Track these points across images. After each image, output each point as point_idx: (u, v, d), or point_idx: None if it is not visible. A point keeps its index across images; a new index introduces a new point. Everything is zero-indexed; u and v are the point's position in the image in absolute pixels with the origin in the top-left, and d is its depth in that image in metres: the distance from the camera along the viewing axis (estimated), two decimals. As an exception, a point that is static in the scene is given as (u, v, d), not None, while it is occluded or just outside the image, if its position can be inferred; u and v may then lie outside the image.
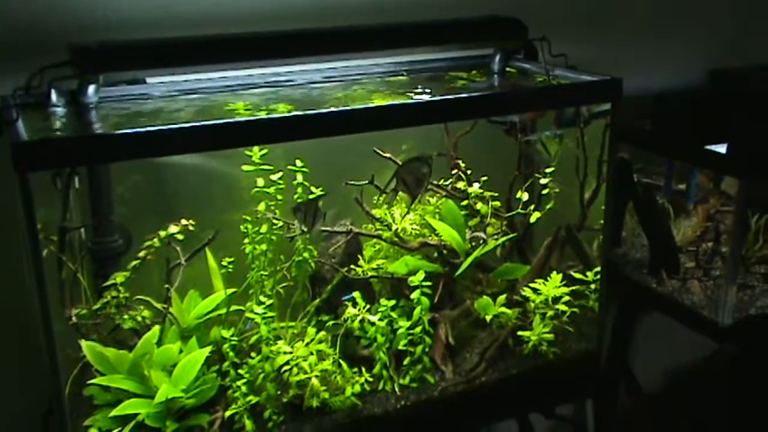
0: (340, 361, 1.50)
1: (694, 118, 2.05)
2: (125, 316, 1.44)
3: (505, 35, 1.65)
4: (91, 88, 1.35)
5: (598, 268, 1.68)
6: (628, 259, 2.07)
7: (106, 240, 1.51)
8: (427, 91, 1.48)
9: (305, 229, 1.44)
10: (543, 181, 1.63)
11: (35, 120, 1.28)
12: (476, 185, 1.64)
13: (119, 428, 1.34)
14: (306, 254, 1.60)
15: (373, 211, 1.61)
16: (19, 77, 1.30)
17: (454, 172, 1.68)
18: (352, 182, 1.51)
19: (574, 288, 1.65)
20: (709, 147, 1.85)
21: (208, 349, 1.43)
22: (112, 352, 1.39)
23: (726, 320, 1.80)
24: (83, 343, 1.38)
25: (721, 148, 1.84)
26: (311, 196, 1.52)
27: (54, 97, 1.35)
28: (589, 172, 1.73)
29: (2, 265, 1.51)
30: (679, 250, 2.00)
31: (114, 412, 1.33)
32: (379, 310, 1.52)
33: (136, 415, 1.35)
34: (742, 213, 1.79)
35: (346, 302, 1.54)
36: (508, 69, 1.72)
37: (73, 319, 1.40)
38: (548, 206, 1.65)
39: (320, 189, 1.54)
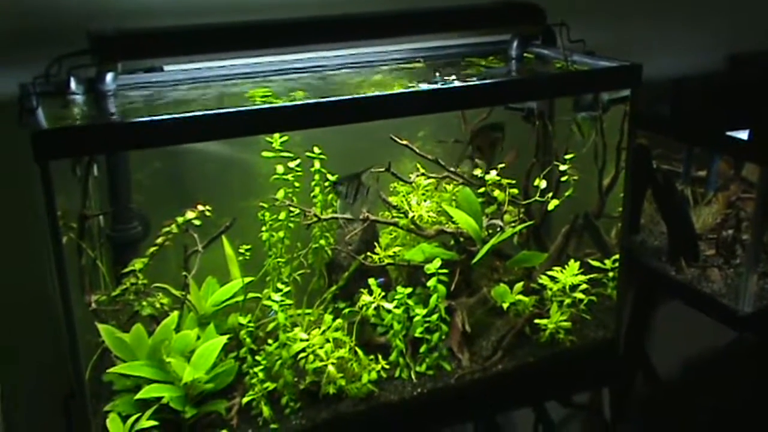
0: (357, 348, 1.50)
1: (715, 103, 2.03)
2: (144, 303, 1.45)
3: (524, 20, 1.64)
4: (109, 76, 1.35)
5: (617, 256, 1.67)
6: (646, 246, 2.06)
7: (125, 227, 1.53)
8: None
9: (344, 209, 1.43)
10: (562, 167, 1.62)
11: (54, 108, 1.29)
12: (493, 172, 1.63)
13: (139, 413, 1.36)
14: (323, 241, 1.61)
15: (390, 198, 1.61)
16: (35, 65, 1.31)
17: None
18: (371, 169, 1.51)
19: (591, 276, 1.64)
20: (730, 133, 1.82)
21: (226, 336, 1.44)
22: (130, 337, 1.41)
23: (746, 309, 1.79)
24: (101, 327, 1.40)
25: (743, 134, 1.81)
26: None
27: (73, 84, 1.35)
28: (607, 159, 1.72)
29: (23, 251, 1.53)
30: (699, 238, 1.98)
31: (139, 395, 1.34)
32: (396, 297, 1.52)
33: (155, 401, 1.36)
34: (763, 200, 1.77)
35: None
36: (525, 55, 1.71)
37: (93, 305, 1.42)
38: (567, 193, 1.64)
39: (336, 177, 1.54)
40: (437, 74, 1.47)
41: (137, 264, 1.45)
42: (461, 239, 1.64)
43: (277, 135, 1.49)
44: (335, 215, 1.56)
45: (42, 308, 1.45)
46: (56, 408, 1.52)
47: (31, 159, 1.13)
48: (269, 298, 1.48)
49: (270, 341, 1.47)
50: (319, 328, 1.48)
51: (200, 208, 1.45)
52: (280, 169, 1.52)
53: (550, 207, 1.63)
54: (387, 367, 1.52)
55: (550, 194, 1.63)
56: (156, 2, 1.54)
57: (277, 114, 1.29)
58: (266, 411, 1.42)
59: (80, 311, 1.34)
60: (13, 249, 1.55)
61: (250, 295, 1.54)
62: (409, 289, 1.54)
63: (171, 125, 1.21)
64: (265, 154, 1.51)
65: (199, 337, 1.46)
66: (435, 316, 1.54)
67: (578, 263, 1.63)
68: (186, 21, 1.42)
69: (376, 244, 1.63)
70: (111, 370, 1.38)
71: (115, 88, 1.37)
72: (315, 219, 1.53)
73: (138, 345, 1.41)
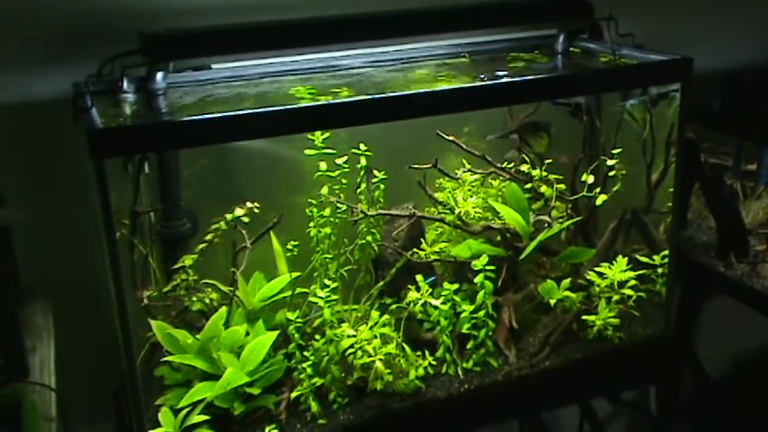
0: (404, 344, 1.50)
1: (766, 95, 1.98)
2: (194, 299, 1.47)
3: (570, 15, 1.62)
4: (160, 75, 1.37)
5: (666, 252, 1.64)
6: (694, 241, 2.02)
7: (175, 224, 1.55)
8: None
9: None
10: (610, 162, 1.60)
11: (107, 106, 1.31)
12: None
13: (190, 407, 1.37)
14: (369, 237, 1.61)
15: (436, 194, 1.60)
16: (87, 65, 1.33)
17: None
18: (416, 165, 1.51)
19: (640, 272, 1.62)
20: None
21: (276, 333, 1.45)
22: (180, 333, 1.43)
23: (798, 305, 1.75)
24: (153, 322, 1.42)
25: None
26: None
27: (125, 83, 1.37)
28: (656, 154, 1.69)
29: (73, 245, 1.55)
30: (749, 233, 1.94)
31: (185, 399, 1.36)
32: (442, 293, 1.52)
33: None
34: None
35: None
36: (571, 49, 1.69)
37: (145, 300, 1.44)
38: (615, 188, 1.62)
39: (383, 173, 1.54)
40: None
41: (187, 260, 1.47)
42: (508, 235, 1.63)
43: (318, 132, 1.49)
44: (382, 211, 1.56)
45: (92, 303, 1.47)
46: (106, 402, 1.54)
47: (84, 156, 1.15)
48: (316, 294, 1.48)
49: (317, 337, 1.47)
50: (366, 323, 1.48)
51: (249, 205, 1.46)
52: (323, 165, 1.52)
53: (598, 202, 1.61)
54: (434, 363, 1.52)
55: (598, 189, 1.61)
56: (204, 2, 1.55)
57: (324, 112, 1.30)
58: (314, 406, 1.43)
59: (132, 306, 1.36)
60: (67, 245, 1.57)
61: (298, 290, 1.55)
62: (456, 285, 1.53)
63: (219, 124, 1.23)
64: (307, 152, 1.51)
65: (248, 333, 1.47)
66: (482, 312, 1.53)
67: (626, 259, 1.61)
68: (234, 20, 1.43)
69: (422, 240, 1.63)
70: (165, 359, 1.40)
71: (165, 86, 1.39)
72: (362, 215, 1.53)
73: (188, 341, 1.42)
